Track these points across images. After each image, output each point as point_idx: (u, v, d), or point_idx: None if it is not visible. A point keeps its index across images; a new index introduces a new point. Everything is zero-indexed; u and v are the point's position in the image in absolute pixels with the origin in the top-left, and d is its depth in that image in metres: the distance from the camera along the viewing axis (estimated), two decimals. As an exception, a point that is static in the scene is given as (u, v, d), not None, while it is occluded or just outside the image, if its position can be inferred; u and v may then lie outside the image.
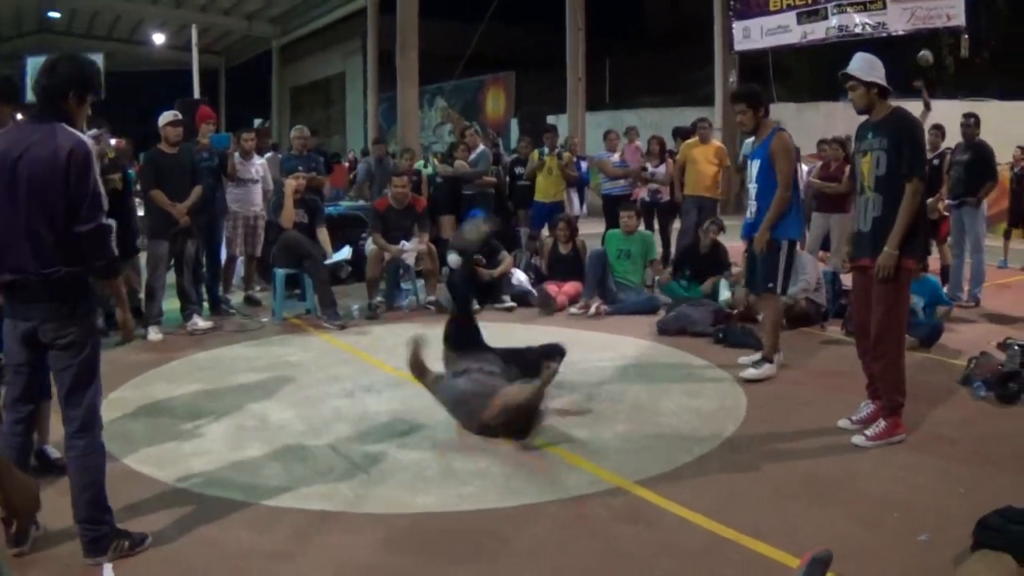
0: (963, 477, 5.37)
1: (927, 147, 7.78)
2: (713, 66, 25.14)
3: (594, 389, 7.50)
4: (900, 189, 6.00)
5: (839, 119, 20.34)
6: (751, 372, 7.81)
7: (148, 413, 6.96)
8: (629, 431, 6.40)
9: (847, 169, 11.66)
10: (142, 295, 10.27)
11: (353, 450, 6.02)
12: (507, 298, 11.17)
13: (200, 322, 9.93)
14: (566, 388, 7.42)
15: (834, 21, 19.49)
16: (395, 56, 22.90)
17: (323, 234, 10.92)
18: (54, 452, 5.64)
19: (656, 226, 14.08)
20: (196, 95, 19.52)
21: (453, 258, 11.02)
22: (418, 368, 6.60)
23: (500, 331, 7.44)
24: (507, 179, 14.55)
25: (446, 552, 4.50)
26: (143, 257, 10.26)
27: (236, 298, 11.61)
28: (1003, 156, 11.97)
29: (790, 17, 20.52)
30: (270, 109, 43.56)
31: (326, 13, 36.09)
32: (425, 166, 15.43)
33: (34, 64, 24.69)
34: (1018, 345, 7.46)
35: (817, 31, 19.98)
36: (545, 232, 13.52)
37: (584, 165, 15.06)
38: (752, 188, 7.79)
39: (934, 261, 10.13)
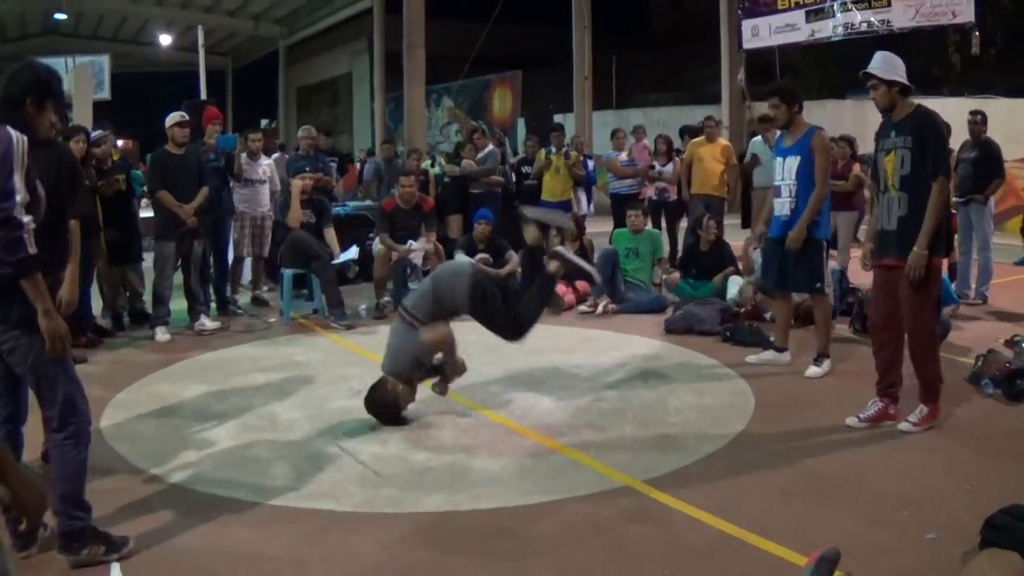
0: (971, 475, 5.36)
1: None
2: (720, 64, 25.10)
3: (602, 388, 7.51)
4: (925, 187, 6.05)
5: (846, 117, 20.34)
6: (814, 371, 7.80)
7: (155, 413, 6.97)
8: (637, 430, 6.41)
9: (855, 167, 11.65)
10: (146, 297, 10.31)
11: (361, 450, 6.02)
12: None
13: (207, 322, 9.94)
14: (573, 387, 7.43)
15: (840, 19, 19.47)
16: (402, 56, 22.88)
17: (330, 234, 10.92)
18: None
19: (663, 225, 14.10)
20: (203, 96, 19.60)
21: (460, 257, 11.03)
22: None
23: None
24: (514, 178, 14.55)
25: (454, 552, 4.51)
26: (148, 258, 10.27)
27: (243, 298, 11.64)
28: (1010, 153, 11.95)
29: (798, 15, 20.50)
30: (277, 109, 43.59)
31: (332, 13, 36.08)
32: (432, 166, 15.45)
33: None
34: (1026, 342, 7.45)
35: (824, 29, 19.97)
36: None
37: (591, 164, 15.08)
38: (785, 185, 7.74)
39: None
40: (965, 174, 10.95)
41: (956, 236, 11.49)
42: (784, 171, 7.76)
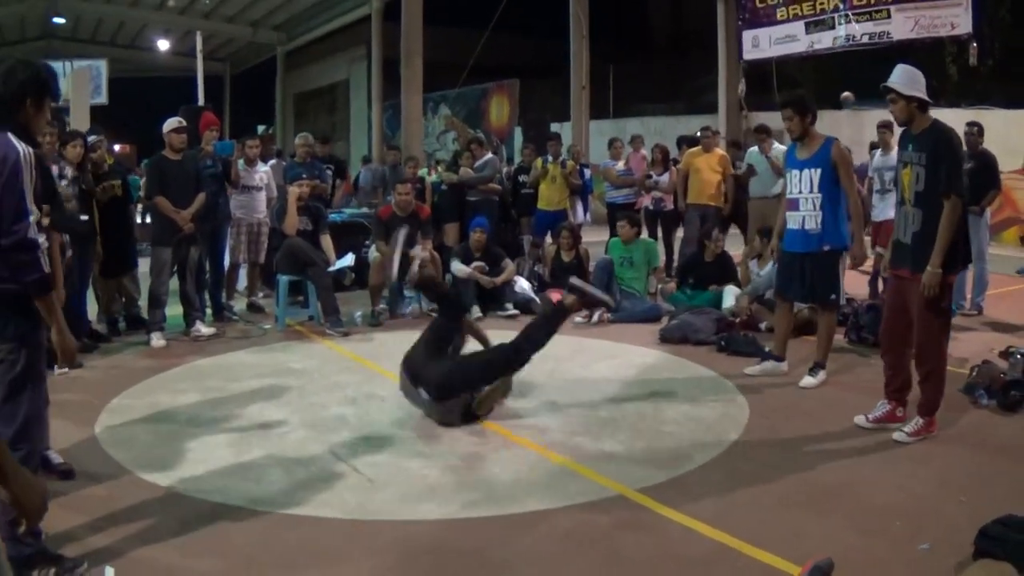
0: (965, 486, 5.37)
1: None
2: (717, 74, 25.14)
3: (597, 397, 7.50)
4: (938, 204, 6.09)
5: (843, 128, 20.35)
6: (809, 380, 7.81)
7: (150, 419, 6.96)
8: (631, 439, 6.41)
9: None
10: (141, 303, 10.30)
11: (356, 457, 6.02)
12: (510, 306, 11.17)
13: (203, 328, 9.94)
14: (568, 396, 7.43)
15: (841, 31, 19.51)
16: (399, 63, 22.90)
17: (327, 241, 10.93)
18: (56, 457, 5.67)
19: (659, 234, 14.12)
20: (200, 101, 19.60)
21: (456, 266, 11.05)
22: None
23: (502, 339, 7.42)
24: (511, 187, 14.57)
25: (448, 560, 4.51)
26: (143, 264, 10.27)
27: (239, 305, 11.63)
28: (1006, 165, 11.97)
29: (798, 27, 20.53)
30: (274, 116, 43.59)
31: (330, 20, 36.08)
32: (429, 173, 15.46)
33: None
34: (1020, 354, 7.44)
35: (824, 40, 20.00)
36: (548, 240, 13.53)
37: (587, 173, 15.09)
38: (805, 198, 7.66)
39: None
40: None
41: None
42: (802, 183, 7.67)
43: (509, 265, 11.47)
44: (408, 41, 22.20)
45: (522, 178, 14.45)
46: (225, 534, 4.81)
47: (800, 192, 7.69)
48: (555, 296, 10.98)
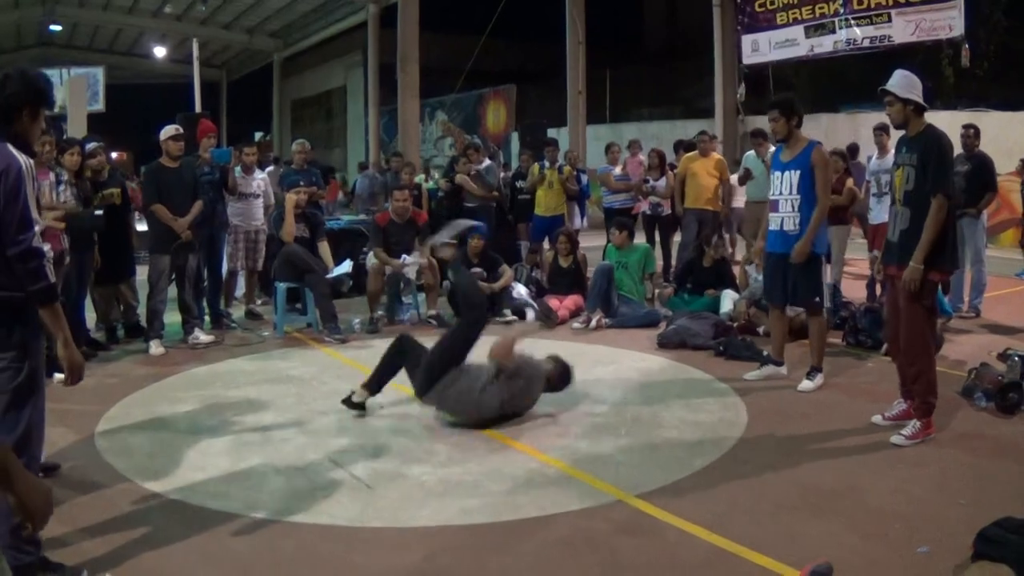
0: (963, 488, 5.38)
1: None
2: (713, 79, 25.17)
3: (595, 402, 7.50)
4: (926, 204, 6.24)
5: (839, 131, 20.39)
6: (807, 384, 7.84)
7: (149, 427, 6.96)
8: (630, 444, 6.41)
9: (848, 181, 11.68)
10: (140, 311, 10.30)
11: (355, 464, 6.02)
12: (508, 311, 11.17)
13: (201, 336, 9.94)
14: (567, 401, 7.43)
15: (842, 35, 19.52)
16: (396, 69, 22.93)
17: (324, 248, 10.94)
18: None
19: (657, 239, 14.13)
20: (197, 108, 19.58)
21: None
22: None
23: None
24: (508, 193, 14.58)
25: (447, 567, 4.51)
26: (141, 272, 10.27)
27: (237, 312, 11.63)
28: (1003, 167, 11.99)
29: (797, 31, 20.54)
30: (271, 123, 43.63)
31: (327, 27, 36.14)
32: (426, 180, 15.47)
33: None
34: (1018, 356, 7.46)
35: (825, 44, 20.01)
36: (546, 245, 13.55)
37: (585, 178, 15.09)
38: (786, 199, 7.77)
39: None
40: (958, 188, 10.96)
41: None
42: (783, 185, 7.79)
43: (507, 271, 11.46)
44: (405, 47, 22.24)
45: (519, 184, 14.47)
46: (224, 541, 4.81)
47: (781, 193, 7.81)
48: (553, 303, 11.01)
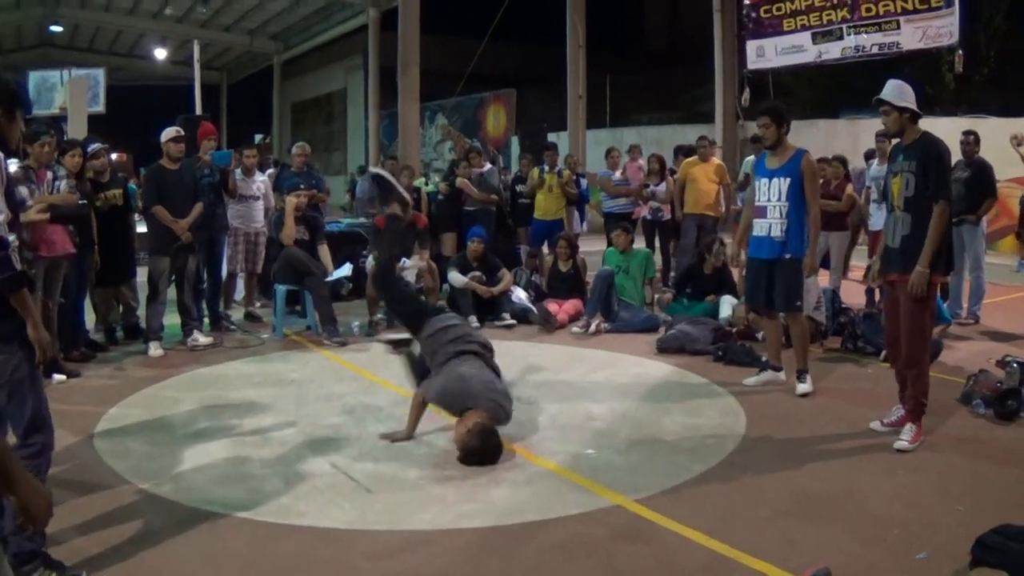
0: (962, 494, 5.38)
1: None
2: (713, 84, 25.18)
3: (593, 407, 7.50)
4: (926, 209, 6.34)
5: (839, 137, 20.39)
6: (803, 388, 7.89)
7: (148, 429, 6.96)
8: (628, 449, 6.41)
9: (847, 187, 11.69)
10: (139, 312, 10.30)
11: (353, 467, 6.02)
12: (507, 315, 11.17)
13: (201, 338, 9.94)
14: (565, 406, 7.44)
15: (850, 41, 19.50)
16: (396, 73, 22.92)
17: (324, 251, 10.94)
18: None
19: (657, 244, 14.13)
20: (198, 110, 19.58)
21: (454, 275, 11.06)
22: None
23: (500, 349, 7.42)
24: (508, 197, 14.58)
25: (444, 570, 4.51)
26: (141, 274, 10.27)
27: (236, 314, 11.63)
28: (1003, 173, 11.98)
29: (804, 37, 20.48)
30: (271, 125, 43.65)
31: (327, 29, 36.18)
32: (425, 183, 15.46)
33: (36, 78, 24.88)
34: (1017, 363, 7.48)
35: (832, 51, 19.96)
36: (545, 250, 13.55)
37: (584, 183, 15.10)
38: (773, 206, 7.80)
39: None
40: (958, 194, 10.93)
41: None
42: (771, 192, 7.83)
43: (506, 275, 11.47)
44: (405, 50, 22.22)
45: (519, 188, 14.47)
46: (223, 543, 4.81)
47: (768, 200, 7.85)
48: (553, 307, 11.01)
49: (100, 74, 25.66)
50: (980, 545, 4.31)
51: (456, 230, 13.48)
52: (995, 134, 13.13)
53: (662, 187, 13.97)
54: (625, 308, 11.13)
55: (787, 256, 7.74)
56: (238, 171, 11.22)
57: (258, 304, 12.04)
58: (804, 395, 7.79)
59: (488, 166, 14.15)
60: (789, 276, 7.79)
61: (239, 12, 34.97)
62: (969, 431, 6.74)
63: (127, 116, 28.37)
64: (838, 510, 5.19)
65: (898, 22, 18.38)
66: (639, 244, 12.61)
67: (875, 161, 11.45)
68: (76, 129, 16.85)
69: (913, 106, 6.46)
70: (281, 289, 10.56)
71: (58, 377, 8.17)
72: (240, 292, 12.08)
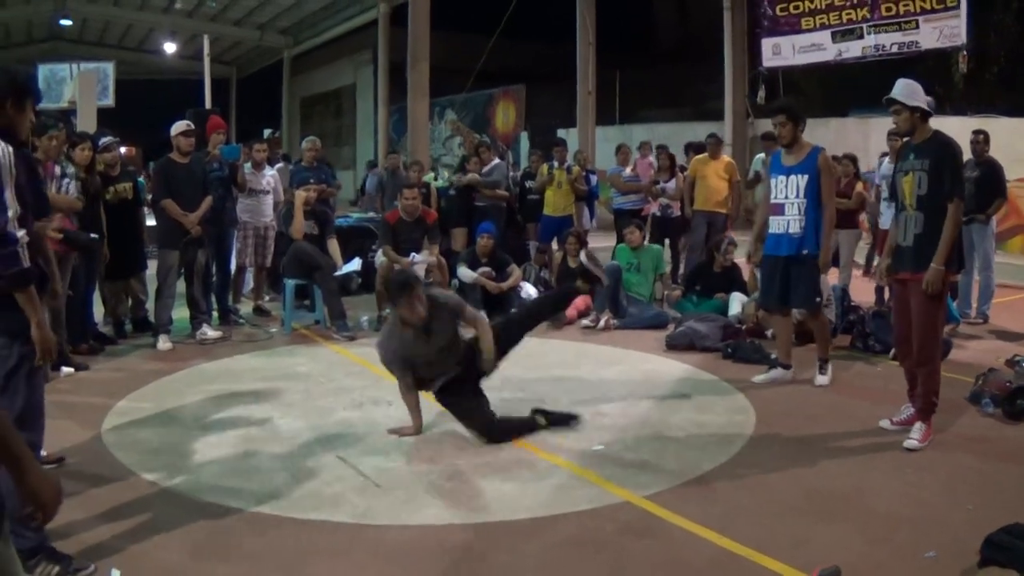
0: (971, 494, 5.37)
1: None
2: (723, 81, 25.16)
3: (602, 403, 7.49)
4: (940, 208, 6.35)
5: (849, 135, 20.36)
6: (822, 379, 8.02)
7: (157, 422, 6.98)
8: (637, 445, 6.40)
9: (857, 185, 11.68)
10: (148, 306, 10.31)
11: (362, 461, 6.03)
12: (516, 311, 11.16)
13: (209, 332, 9.95)
14: (574, 402, 7.43)
15: (871, 40, 19.49)
16: (406, 68, 22.90)
17: (333, 245, 10.93)
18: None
19: (667, 241, 14.12)
20: (207, 105, 19.59)
21: (463, 271, 11.05)
22: None
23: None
24: (517, 193, 14.58)
25: (453, 565, 4.51)
26: (151, 266, 10.28)
27: (245, 308, 11.64)
28: (1012, 173, 11.96)
29: (824, 35, 20.49)
30: (280, 120, 43.66)
31: (337, 24, 36.19)
32: (435, 179, 15.46)
33: (45, 71, 24.90)
34: (1026, 362, 7.48)
35: (853, 49, 19.98)
36: (554, 246, 13.55)
37: (594, 179, 15.08)
38: (791, 203, 7.83)
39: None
40: (967, 193, 10.92)
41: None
42: (788, 189, 7.85)
43: (515, 271, 11.45)
44: (415, 46, 22.21)
45: (529, 184, 14.46)
46: (231, 536, 4.82)
47: (786, 197, 7.88)
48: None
49: (109, 68, 25.67)
50: (989, 544, 4.30)
51: (466, 226, 13.47)
52: (1004, 134, 13.13)
53: (672, 184, 13.96)
54: (634, 304, 11.13)
55: (805, 252, 7.78)
56: (247, 165, 11.23)
57: (267, 298, 12.05)
58: (822, 386, 7.93)
59: (496, 161, 14.14)
60: (808, 273, 7.84)
61: (249, 7, 34.97)
62: (978, 430, 6.72)
63: (136, 110, 28.42)
64: (847, 508, 5.19)
65: (917, 22, 18.42)
66: (647, 240, 12.60)
67: (886, 159, 11.42)
68: (85, 123, 16.87)
69: (924, 105, 6.44)
70: (290, 283, 10.56)
71: (66, 370, 8.18)
72: (249, 286, 12.10)
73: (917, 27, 18.49)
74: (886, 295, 10.80)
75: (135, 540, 4.67)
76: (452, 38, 29.06)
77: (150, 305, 10.19)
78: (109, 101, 23.97)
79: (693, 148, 14.98)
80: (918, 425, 6.36)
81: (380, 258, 11.07)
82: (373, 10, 31.51)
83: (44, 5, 32.53)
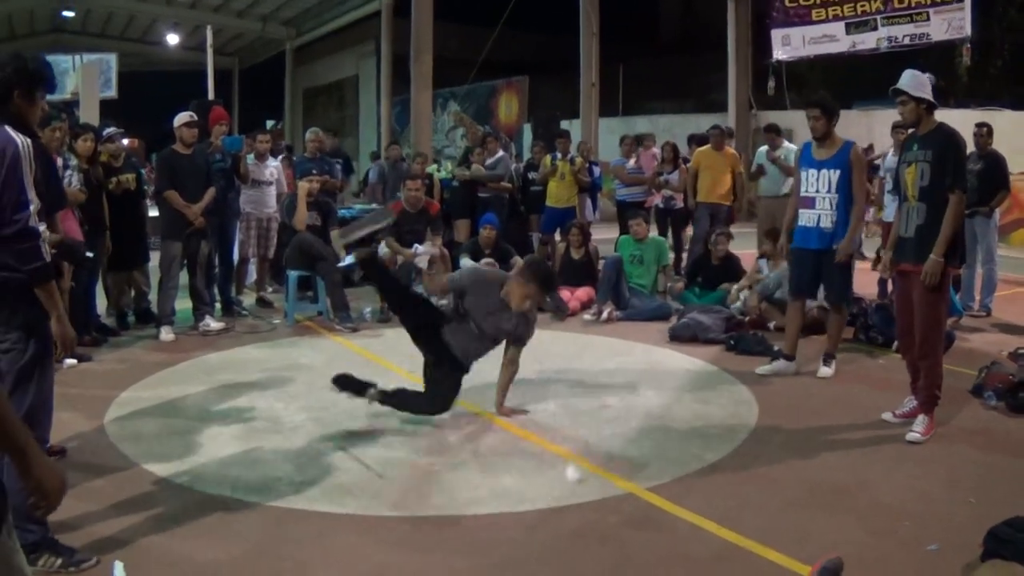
0: (973, 486, 5.38)
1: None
2: (727, 73, 25.13)
3: (606, 395, 7.50)
4: (942, 199, 6.35)
5: (853, 127, 20.32)
6: (826, 371, 8.06)
7: (159, 413, 6.98)
8: (640, 437, 6.41)
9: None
10: (151, 297, 10.31)
11: (364, 452, 6.03)
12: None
13: (212, 323, 9.95)
14: (578, 394, 7.44)
15: (884, 32, 19.48)
16: (409, 59, 22.85)
17: (335, 236, 10.92)
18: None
19: (669, 232, 14.13)
20: (210, 96, 19.56)
21: (466, 262, 11.05)
22: None
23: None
24: (520, 184, 14.58)
25: (457, 557, 4.52)
26: (154, 258, 10.29)
27: (248, 299, 11.65)
28: (1016, 166, 11.93)
29: (838, 27, 20.40)
30: (283, 111, 43.57)
31: (340, 15, 36.05)
32: (438, 170, 15.45)
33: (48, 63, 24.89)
34: (1029, 355, 7.48)
35: (867, 41, 19.92)
36: (557, 237, 13.55)
37: (597, 170, 15.08)
38: (822, 197, 7.84)
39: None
40: (970, 186, 10.90)
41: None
42: (819, 182, 7.86)
43: (518, 262, 11.42)
44: (418, 37, 22.16)
45: (532, 175, 14.46)
46: (234, 527, 4.83)
47: (817, 191, 7.87)
48: (565, 295, 11.00)
49: (112, 59, 25.63)
50: (992, 537, 4.29)
51: (469, 217, 13.48)
52: (1008, 126, 13.12)
53: (675, 175, 13.96)
54: (637, 296, 11.13)
55: (836, 247, 7.80)
56: (250, 156, 11.22)
57: (270, 289, 12.07)
58: (825, 378, 7.95)
59: (500, 153, 14.13)
60: (842, 268, 7.91)
61: (252, -2, 34.95)
62: (980, 423, 6.73)
63: (139, 102, 28.35)
64: (849, 501, 5.20)
65: (927, 14, 18.39)
66: (651, 232, 12.59)
67: (890, 152, 11.41)
68: (88, 114, 16.84)
69: (930, 96, 6.44)
70: (293, 275, 10.56)
71: (69, 361, 8.18)
72: (252, 277, 12.10)
73: (928, 19, 18.46)
74: (889, 287, 10.81)
75: (138, 531, 4.68)
76: (455, 29, 29.02)
77: (153, 296, 10.20)
78: (112, 93, 23.93)
79: (696, 140, 14.97)
80: (921, 418, 6.37)
81: (383, 249, 11.07)
82: (376, 1, 31.41)
83: (47, -4, 32.52)
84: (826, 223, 7.80)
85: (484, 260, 11.11)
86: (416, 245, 10.78)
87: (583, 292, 11.35)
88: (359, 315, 10.59)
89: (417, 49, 22.21)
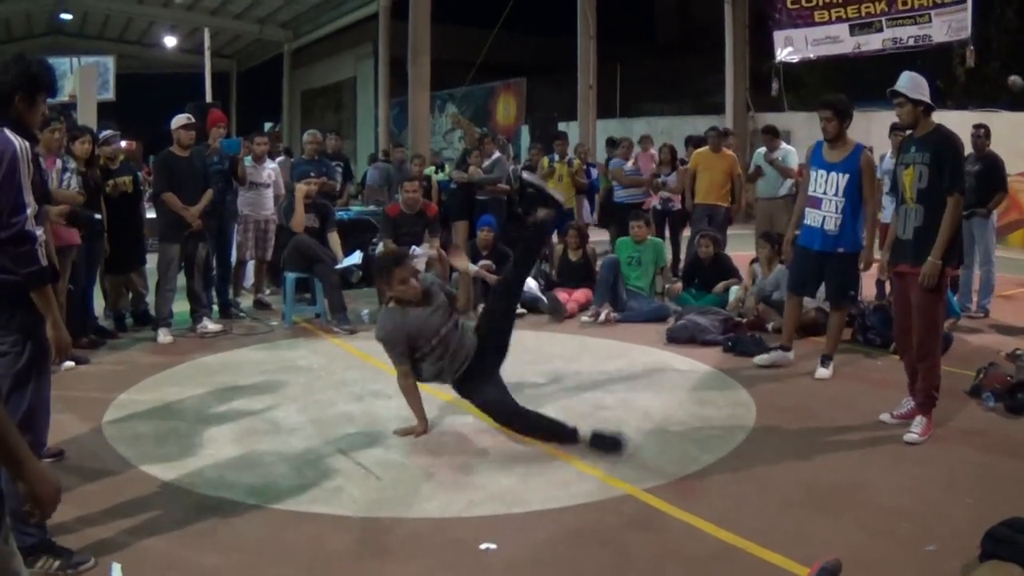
0: (971, 487, 5.38)
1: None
2: (724, 74, 25.13)
3: (603, 397, 7.51)
4: (939, 201, 6.36)
5: (851, 129, 20.30)
6: (823, 372, 8.05)
7: (157, 415, 6.98)
8: (638, 439, 6.39)
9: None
10: (149, 299, 10.31)
11: (362, 454, 6.03)
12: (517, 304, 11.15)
13: (210, 325, 9.94)
14: (575, 395, 7.44)
15: (888, 33, 19.52)
16: (406, 61, 22.86)
17: (334, 239, 10.92)
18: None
19: (667, 234, 14.13)
20: (208, 98, 19.57)
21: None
22: None
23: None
24: (518, 186, 14.58)
25: (454, 558, 4.52)
26: (151, 261, 10.28)
27: (246, 301, 11.64)
28: (1013, 167, 11.94)
29: (842, 28, 20.46)
30: (281, 113, 43.57)
31: (338, 18, 36.06)
32: (436, 172, 15.45)
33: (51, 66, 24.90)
34: (1027, 356, 7.48)
35: (872, 42, 19.97)
36: (555, 239, 13.54)
37: (594, 172, 15.08)
38: (829, 200, 7.83)
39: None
40: (968, 187, 10.89)
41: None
42: (827, 184, 7.86)
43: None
44: (416, 39, 22.17)
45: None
46: (232, 530, 4.83)
47: (824, 193, 7.87)
48: (562, 296, 10.99)
49: (110, 62, 25.68)
50: (990, 538, 4.30)
51: (467, 219, 13.47)
52: (1005, 128, 13.12)
53: (672, 177, 13.97)
54: (634, 297, 11.13)
55: (840, 251, 7.83)
56: (248, 159, 11.22)
57: (268, 291, 12.07)
58: (823, 379, 7.94)
59: (496, 155, 14.13)
60: (841, 270, 7.93)
61: (249, 0, 34.89)
62: (978, 424, 6.73)
63: (137, 104, 28.36)
64: (847, 502, 5.20)
65: (929, 15, 18.47)
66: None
67: (888, 154, 11.41)
68: (86, 117, 16.83)
69: (927, 99, 6.45)
70: (291, 277, 10.55)
71: (67, 364, 8.17)
72: (249, 279, 12.10)
73: (930, 21, 18.55)
74: (887, 289, 10.81)
75: (135, 533, 4.68)
76: (453, 31, 28.99)
77: (151, 299, 10.19)
78: (110, 95, 23.98)
79: (694, 142, 14.98)
80: (918, 419, 6.38)
81: (380, 251, 11.06)
82: (373, 3, 31.39)
83: (44, -1, 32.51)
84: (830, 226, 7.81)
85: (482, 263, 11.10)
86: (414, 247, 10.77)
87: (581, 294, 11.35)
88: (357, 317, 10.59)
89: (415, 51, 22.22)
